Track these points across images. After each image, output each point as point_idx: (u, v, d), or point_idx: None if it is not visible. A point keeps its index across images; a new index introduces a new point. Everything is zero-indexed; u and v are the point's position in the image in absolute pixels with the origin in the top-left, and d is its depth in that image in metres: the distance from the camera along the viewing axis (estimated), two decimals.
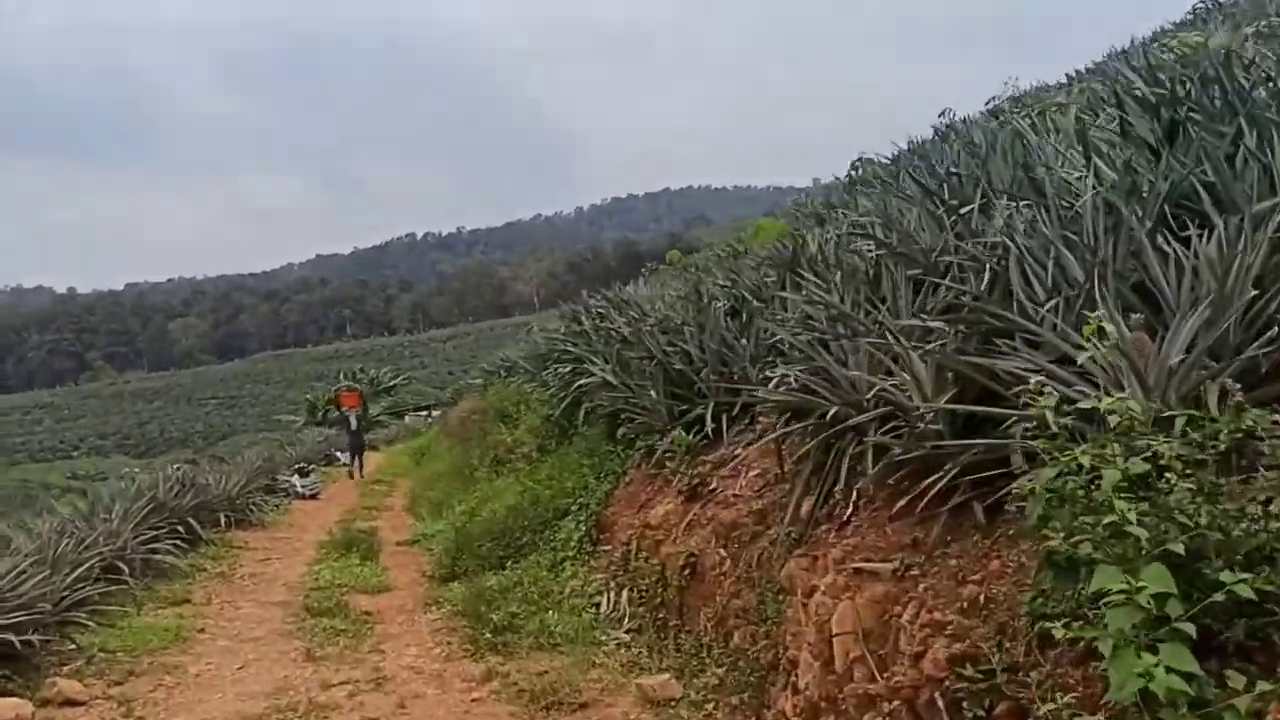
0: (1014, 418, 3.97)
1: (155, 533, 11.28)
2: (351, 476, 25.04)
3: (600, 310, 12.34)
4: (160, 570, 10.68)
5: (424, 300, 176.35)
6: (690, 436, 7.36)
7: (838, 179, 20.57)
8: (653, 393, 8.77)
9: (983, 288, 4.97)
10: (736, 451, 7.28)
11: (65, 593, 8.34)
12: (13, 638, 6.84)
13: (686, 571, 6.47)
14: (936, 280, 5.88)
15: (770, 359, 8.08)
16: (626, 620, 7.34)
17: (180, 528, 12.35)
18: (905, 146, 19.73)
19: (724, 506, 6.57)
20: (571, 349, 12.15)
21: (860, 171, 20.83)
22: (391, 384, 60.44)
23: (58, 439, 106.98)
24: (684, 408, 8.42)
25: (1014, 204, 6.17)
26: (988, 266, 5.05)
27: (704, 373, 8.41)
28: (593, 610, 7.73)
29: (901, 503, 4.62)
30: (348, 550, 12.19)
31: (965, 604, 3.94)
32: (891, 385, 4.97)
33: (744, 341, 8.29)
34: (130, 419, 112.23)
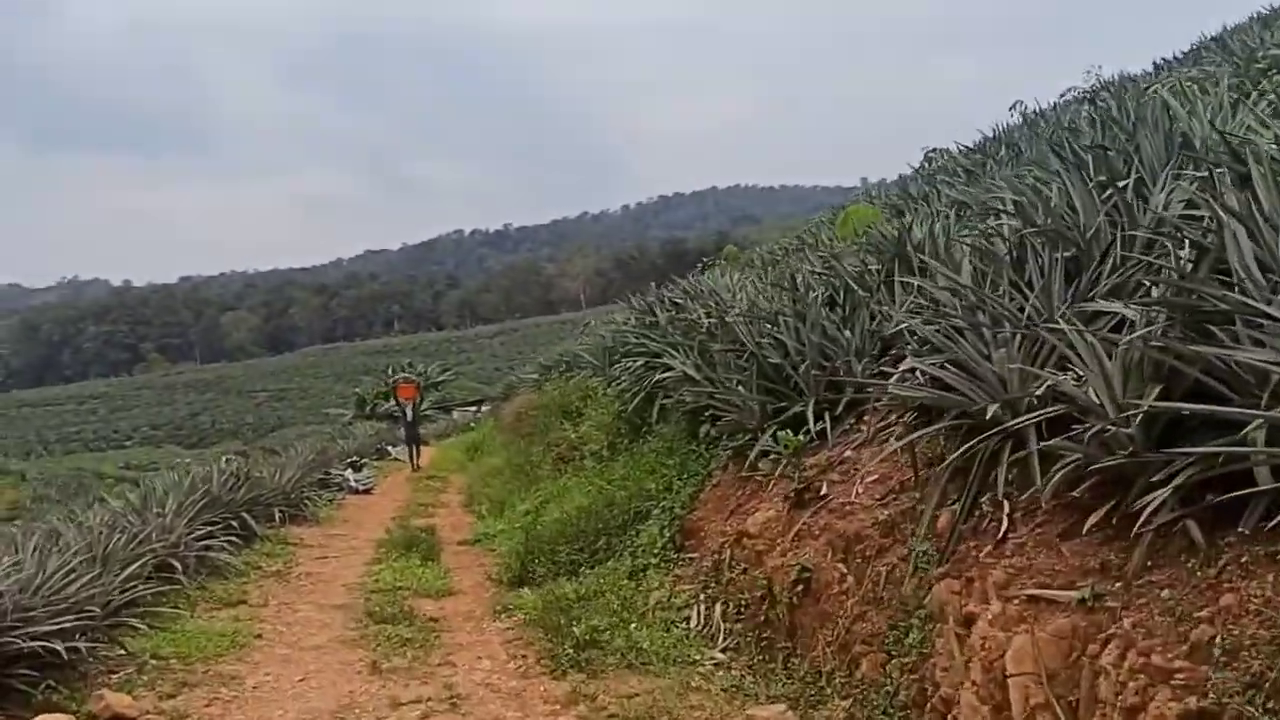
0: (1257, 420, 3.25)
1: (209, 528, 10.79)
2: (414, 469, 24.78)
3: (675, 301, 11.66)
4: (214, 568, 10.17)
5: (471, 296, 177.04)
6: (797, 436, 6.66)
7: (915, 168, 19.77)
8: (743, 388, 8.09)
9: (1185, 265, 4.23)
10: (847, 453, 6.59)
11: (116, 593, 7.82)
12: (59, 645, 6.29)
13: (799, 587, 5.77)
14: (1096, 261, 5.16)
15: (879, 353, 7.42)
16: (721, 638, 6.66)
17: (234, 522, 11.87)
18: (988, 135, 18.99)
19: (840, 516, 5.87)
20: (644, 342, 11.49)
21: (934, 163, 20.12)
22: (440, 379, 60.07)
23: (111, 429, 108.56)
24: (779, 405, 7.73)
25: (1181, 174, 5.43)
26: (1186, 242, 4.30)
27: (802, 367, 7.71)
28: (682, 625, 7.06)
29: (1090, 519, 3.90)
30: (408, 550, 11.62)
31: (1194, 647, 3.22)
32: (1067, 381, 4.25)
33: (847, 333, 7.59)
34: (182, 410, 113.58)
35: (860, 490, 5.99)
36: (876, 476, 6.02)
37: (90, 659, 6.75)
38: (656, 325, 11.47)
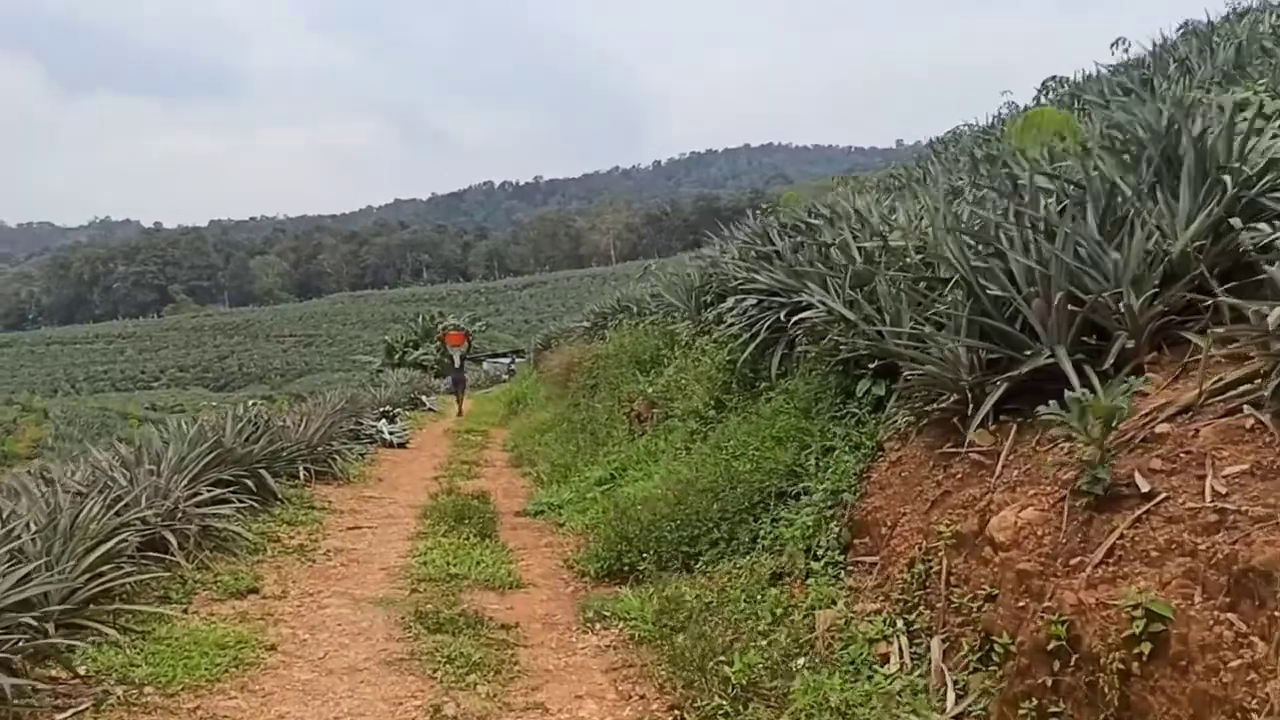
0: None
1: (217, 490, 8.70)
2: (460, 414, 24.84)
3: (800, 224, 9.37)
4: (221, 541, 8.08)
5: (500, 248, 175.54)
6: (1100, 396, 4.35)
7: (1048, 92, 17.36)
8: (942, 331, 5.84)
9: None
10: (1159, 427, 4.34)
11: (81, 582, 5.73)
12: None
13: (1142, 646, 3.55)
14: None
15: (1160, 283, 5.19)
16: (952, 697, 4.47)
17: (250, 481, 9.79)
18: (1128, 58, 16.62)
19: (1201, 529, 3.64)
20: (756, 276, 9.23)
21: (1052, 91, 17.77)
22: (469, 329, 58.15)
23: (139, 369, 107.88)
24: (1002, 353, 5.50)
25: None
26: None
27: (1035, 302, 5.46)
28: (878, 667, 4.87)
29: None
30: (459, 522, 9.50)
31: None
32: None
33: (1115, 254, 5.32)
34: (210, 353, 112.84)
35: (1219, 487, 3.76)
36: (1245, 467, 3.79)
37: (26, 691, 4.65)
38: (773, 257, 9.21)
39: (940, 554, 5.03)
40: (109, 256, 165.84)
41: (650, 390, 11.70)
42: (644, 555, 7.11)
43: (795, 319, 7.67)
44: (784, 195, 35.29)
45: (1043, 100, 17.90)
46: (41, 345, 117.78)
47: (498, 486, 12.89)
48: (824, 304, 7.36)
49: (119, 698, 4.82)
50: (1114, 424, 4.17)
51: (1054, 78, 17.79)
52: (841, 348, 6.96)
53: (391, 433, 18.02)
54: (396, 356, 49.73)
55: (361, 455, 15.24)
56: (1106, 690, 3.60)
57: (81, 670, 5.10)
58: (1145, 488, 4.01)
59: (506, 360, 56.09)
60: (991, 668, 4.33)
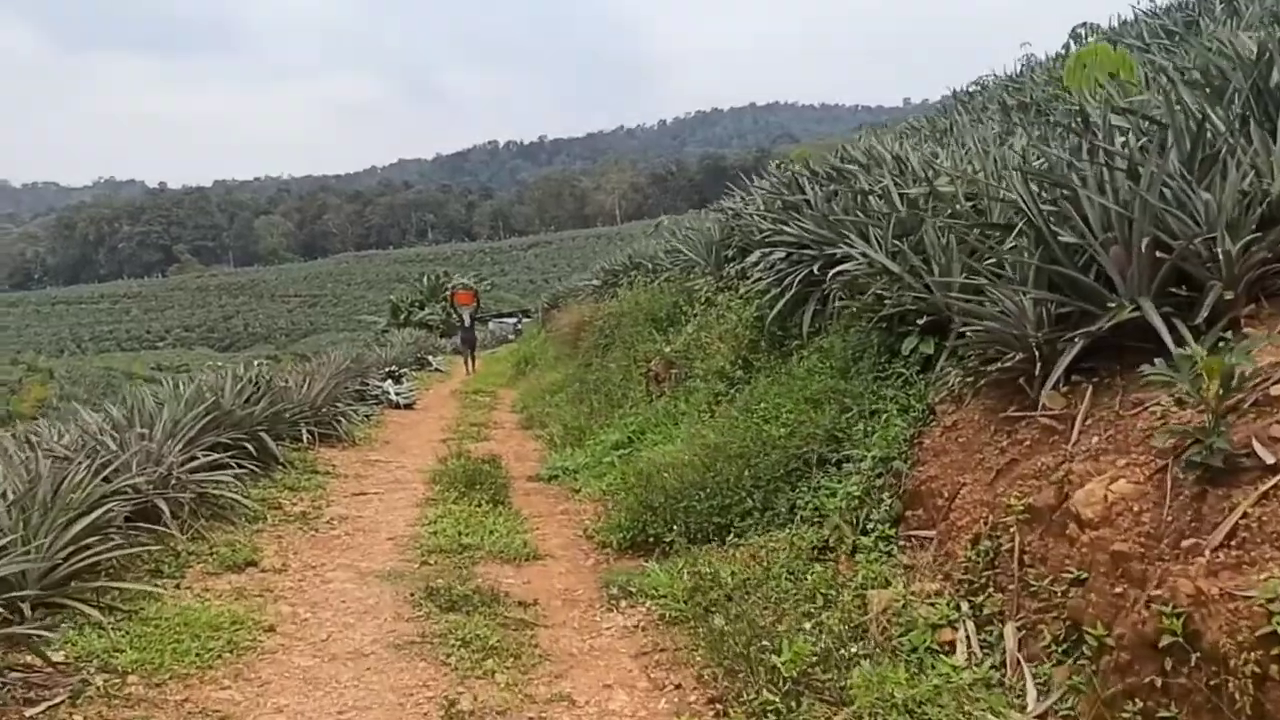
0: None
1: (215, 454, 8.20)
2: (469, 373, 25.24)
3: (834, 172, 8.77)
4: (219, 509, 7.60)
5: (505, 208, 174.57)
6: (1205, 352, 3.80)
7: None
8: (1003, 282, 5.29)
9: None
10: (1276, 390, 3.80)
11: (61, 557, 5.25)
12: None
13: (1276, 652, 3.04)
14: None
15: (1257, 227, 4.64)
16: (1034, 692, 3.97)
17: (250, 445, 9.29)
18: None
19: None
20: (783, 228, 8.66)
21: (1083, 39, 17.03)
22: (478, 289, 57.63)
23: (144, 329, 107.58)
24: (1075, 306, 4.96)
25: None
26: None
27: (1113, 250, 4.91)
28: (942, 655, 4.36)
29: None
30: (469, 488, 9.01)
31: None
32: None
33: (1205, 195, 4.75)
34: (215, 312, 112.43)
35: None
36: None
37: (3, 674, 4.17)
38: (802, 207, 8.62)
39: (1011, 530, 4.51)
40: (114, 216, 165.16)
41: (668, 349, 11.16)
42: (671, 526, 6.60)
43: (834, 272, 7.11)
44: (794, 152, 34.58)
45: (1073, 48, 17.22)
46: (47, 305, 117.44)
47: (508, 450, 12.40)
48: (865, 256, 6.81)
49: (99, 688, 4.33)
50: (1232, 385, 3.62)
51: (1084, 24, 17.05)
52: (885, 302, 6.41)
53: (398, 393, 17.54)
54: (402, 316, 49.25)
55: (367, 417, 14.77)
56: (1237, 696, 3.08)
57: (59, 656, 4.62)
58: (1269, 459, 3.48)
59: (513, 320, 55.61)
60: (1080, 661, 3.82)
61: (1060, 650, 3.97)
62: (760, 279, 8.59)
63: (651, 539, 6.73)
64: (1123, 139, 5.51)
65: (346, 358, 18.60)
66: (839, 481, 5.94)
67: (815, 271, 7.75)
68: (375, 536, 7.60)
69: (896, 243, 6.65)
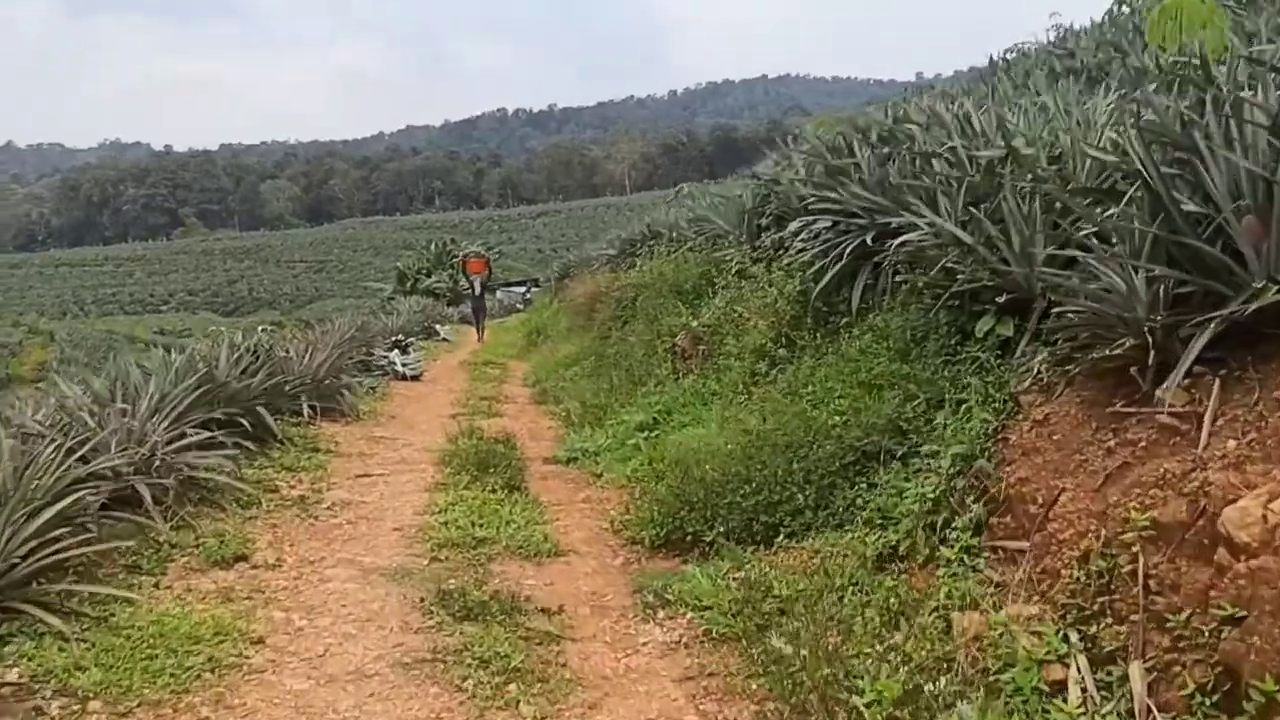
0: None
1: (205, 433, 7.51)
2: (479, 340, 25.08)
3: (889, 133, 8.00)
4: (208, 492, 6.91)
5: (514, 176, 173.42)
6: None
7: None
8: (1107, 257, 4.56)
9: None
10: None
11: (23, 553, 4.57)
12: None
13: None
14: None
15: None
16: None
17: (245, 420, 8.60)
18: None
19: None
20: (829, 195, 7.92)
21: (1128, 5, 16.16)
22: (489, 256, 56.93)
23: (148, 292, 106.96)
24: (1198, 285, 4.24)
25: None
26: None
27: (1247, 219, 4.19)
28: (1052, 698, 3.68)
29: None
30: (482, 471, 8.32)
31: None
32: None
33: None
34: (219, 277, 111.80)
35: None
36: None
37: None
38: (848, 171, 7.87)
39: (1132, 548, 3.80)
40: (119, 179, 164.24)
41: (695, 324, 10.44)
42: (710, 522, 5.91)
43: (897, 243, 6.37)
44: (817, 119, 33.68)
45: (1115, 12, 16.36)
46: (50, 267, 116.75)
47: (521, 427, 11.71)
48: (931, 225, 6.08)
49: (53, 715, 3.65)
50: None
51: None
52: (958, 277, 5.68)
53: (404, 364, 16.82)
54: (408, 284, 48.53)
55: (372, 389, 14.08)
56: None
57: (13, 675, 3.95)
58: None
59: (522, 289, 54.88)
60: (1240, 718, 3.13)
61: (1209, 702, 3.27)
62: (804, 250, 7.84)
63: (688, 536, 6.04)
64: (1249, 92, 4.75)
65: (351, 326, 17.87)
66: (908, 480, 5.23)
67: (869, 242, 7.02)
68: (380, 526, 6.92)
69: (969, 210, 5.92)
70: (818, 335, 7.50)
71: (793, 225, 8.47)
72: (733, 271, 10.43)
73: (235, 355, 9.86)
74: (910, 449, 5.46)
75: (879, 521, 5.20)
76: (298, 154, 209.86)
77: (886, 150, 7.63)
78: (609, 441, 9.35)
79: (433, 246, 56.76)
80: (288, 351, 11.56)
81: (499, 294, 53.08)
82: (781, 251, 8.92)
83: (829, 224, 7.87)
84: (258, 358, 10.36)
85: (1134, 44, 11.72)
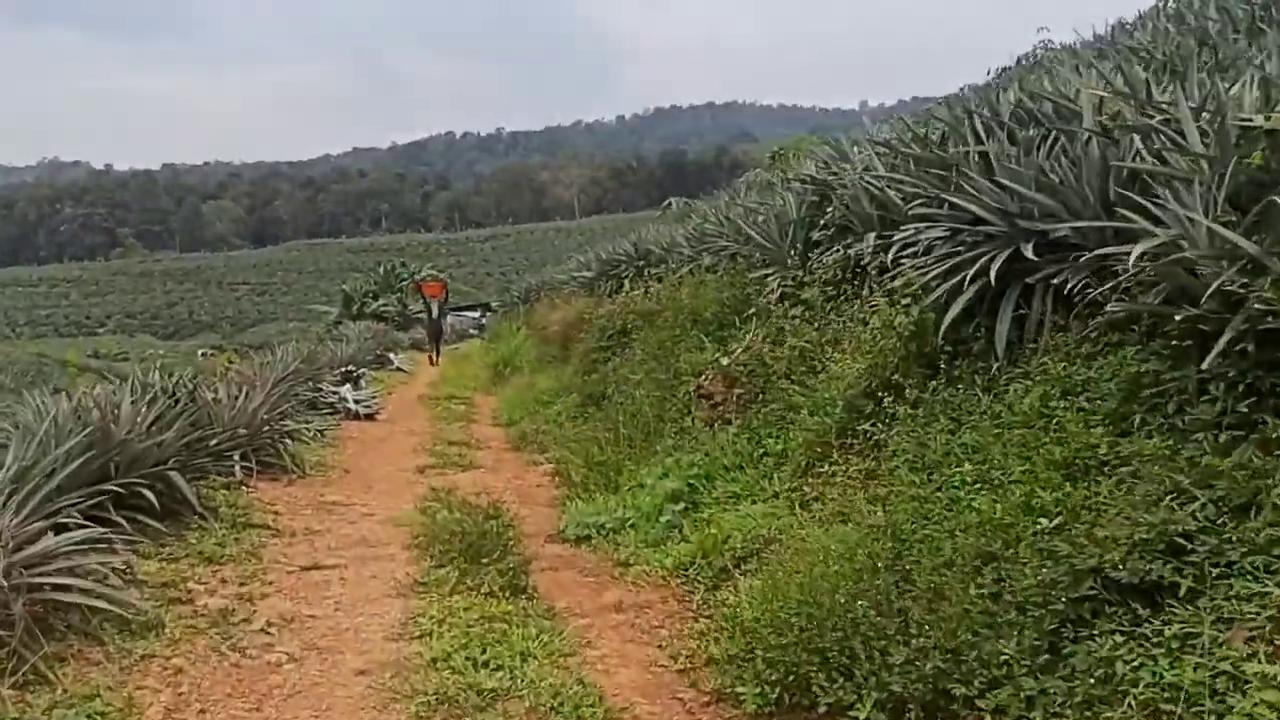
0: None
1: (87, 527, 5.28)
2: (432, 363, 24.82)
3: (1025, 114, 5.99)
4: (84, 615, 4.69)
5: (462, 199, 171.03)
6: None
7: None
8: None
9: None
10: None
11: None
12: None
13: None
14: None
15: None
16: None
17: (148, 491, 6.39)
18: None
19: None
20: (941, 196, 5.91)
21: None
22: (447, 279, 54.90)
23: (84, 314, 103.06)
24: None
25: None
26: None
27: None
28: None
29: None
30: (472, 561, 6.18)
31: None
32: None
33: None
34: (159, 299, 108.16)
35: None
36: None
37: None
38: (959, 166, 5.87)
39: None
40: (55, 197, 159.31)
41: (727, 361, 8.35)
42: (862, 689, 3.81)
43: (1137, 256, 4.31)
44: (795, 140, 31.87)
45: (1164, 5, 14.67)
46: None
47: (504, 484, 9.57)
48: (1176, 229, 4.07)
49: None
50: None
51: None
52: (1243, 307, 3.67)
53: (357, 401, 14.58)
54: (355, 307, 46.18)
55: (320, 433, 11.85)
56: None
57: None
58: None
59: (475, 314, 52.50)
60: None
61: None
62: (929, 269, 5.74)
63: (820, 705, 3.93)
64: None
65: (296, 356, 15.59)
66: (1199, 632, 3.18)
67: (1031, 253, 5.00)
68: (339, 666, 4.73)
69: (1231, 210, 3.93)
70: (944, 384, 5.43)
71: (912, 231, 6.35)
72: (774, 298, 8.39)
73: (146, 401, 7.63)
74: (1197, 580, 3.41)
75: (1164, 702, 3.14)
76: (242, 175, 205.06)
77: (1037, 133, 5.62)
78: (631, 514, 7.23)
79: (381, 268, 54.83)
80: (216, 393, 9.32)
81: (449, 319, 50.76)
82: (853, 273, 6.90)
83: (944, 234, 5.85)
84: (176, 401, 8.14)
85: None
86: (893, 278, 6.18)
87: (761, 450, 7.05)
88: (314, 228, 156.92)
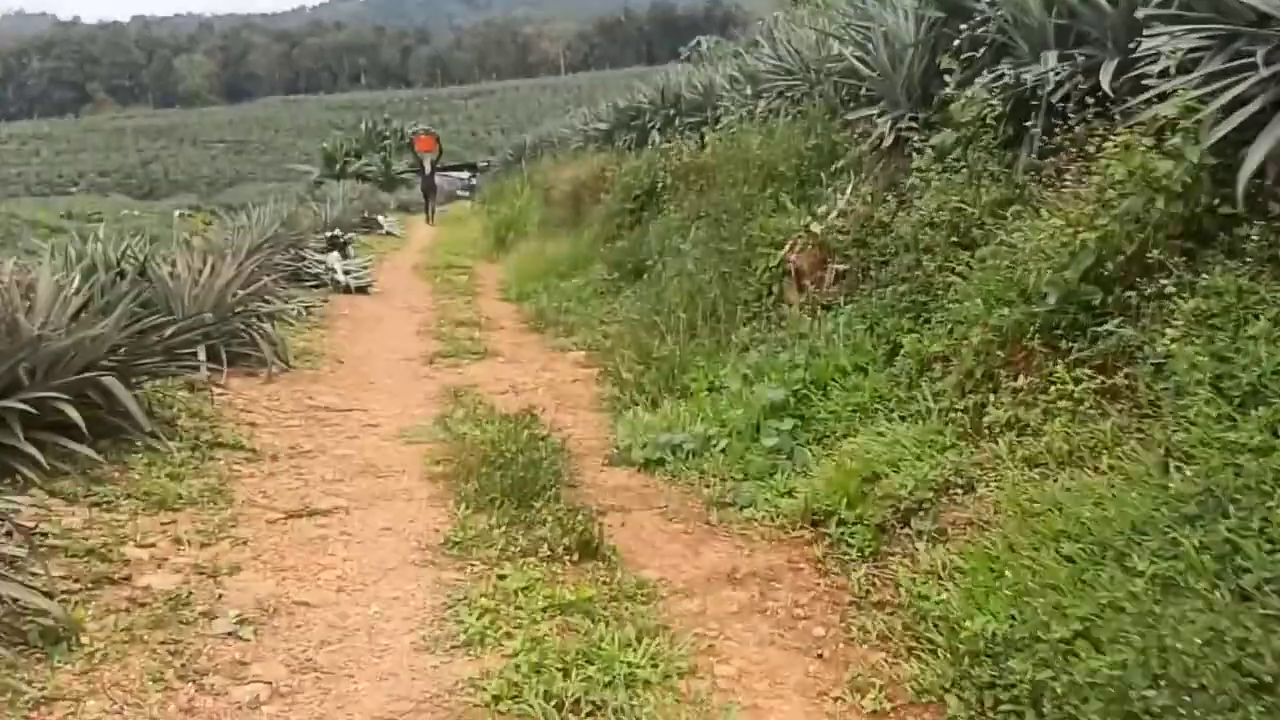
0: None
1: None
2: (428, 221, 24.15)
3: None
4: None
5: (443, 54, 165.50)
6: None
7: None
8: None
9: None
10: None
11: None
12: None
13: None
14: None
15: None
16: None
17: (80, 404, 4.65)
18: None
19: None
20: None
21: None
22: (439, 134, 52.47)
23: (55, 173, 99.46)
24: None
25: None
26: None
27: None
28: None
29: None
30: (519, 504, 4.51)
31: None
32: None
33: None
34: (132, 157, 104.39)
35: None
36: None
37: None
38: None
39: None
40: (21, 50, 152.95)
41: (819, 229, 6.52)
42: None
43: None
44: None
45: None
46: None
47: (531, 377, 7.86)
48: None
49: None
50: None
51: None
52: None
53: (347, 271, 12.74)
54: (337, 167, 44.02)
55: (306, 309, 10.07)
56: None
57: None
58: None
59: (463, 175, 49.91)
60: None
61: None
62: (1184, 96, 3.88)
63: None
64: None
65: (276, 219, 13.64)
66: None
67: None
68: (345, 704, 3.06)
69: None
70: (1245, 265, 3.63)
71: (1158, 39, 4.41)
72: (886, 144, 6.52)
73: (77, 279, 5.80)
74: None
75: None
76: (213, 26, 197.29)
77: None
78: (715, 431, 5.53)
79: (363, 126, 52.59)
80: (175, 267, 7.46)
81: (438, 180, 48.29)
82: (1023, 107, 5.04)
83: (1206, 41, 3.99)
84: (121, 278, 6.32)
85: None
86: (1122, 112, 4.31)
87: (890, 348, 5.31)
88: (290, 84, 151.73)
